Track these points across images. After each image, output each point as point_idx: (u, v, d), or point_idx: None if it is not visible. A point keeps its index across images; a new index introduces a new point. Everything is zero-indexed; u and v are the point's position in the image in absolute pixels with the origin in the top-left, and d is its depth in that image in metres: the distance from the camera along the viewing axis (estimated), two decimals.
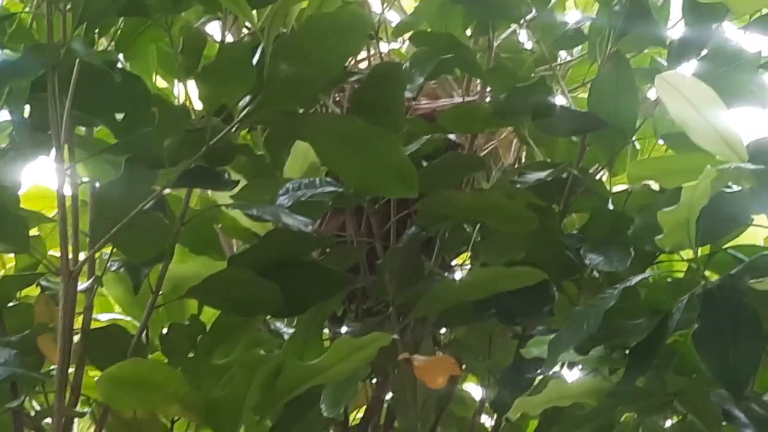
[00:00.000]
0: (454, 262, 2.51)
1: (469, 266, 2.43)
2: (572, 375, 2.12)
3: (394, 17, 2.67)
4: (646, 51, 2.42)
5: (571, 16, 2.55)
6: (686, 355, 1.85)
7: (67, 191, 2.03)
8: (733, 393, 1.68)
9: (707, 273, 1.92)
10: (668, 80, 1.83)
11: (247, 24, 2.25)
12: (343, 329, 2.40)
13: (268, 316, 2.27)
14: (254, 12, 2.01)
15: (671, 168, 2.04)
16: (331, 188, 2.02)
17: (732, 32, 2.28)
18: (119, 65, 2.26)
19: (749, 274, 1.76)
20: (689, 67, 2.19)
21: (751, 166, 1.75)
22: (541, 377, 2.05)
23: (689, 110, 1.80)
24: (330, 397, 2.04)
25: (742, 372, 1.65)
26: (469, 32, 2.52)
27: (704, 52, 2.21)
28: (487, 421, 2.46)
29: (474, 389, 2.57)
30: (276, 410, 1.94)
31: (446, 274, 2.35)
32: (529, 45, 2.55)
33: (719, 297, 1.69)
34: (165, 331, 2.21)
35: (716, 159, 1.81)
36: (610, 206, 2.16)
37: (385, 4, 2.50)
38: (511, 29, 2.53)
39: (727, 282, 1.74)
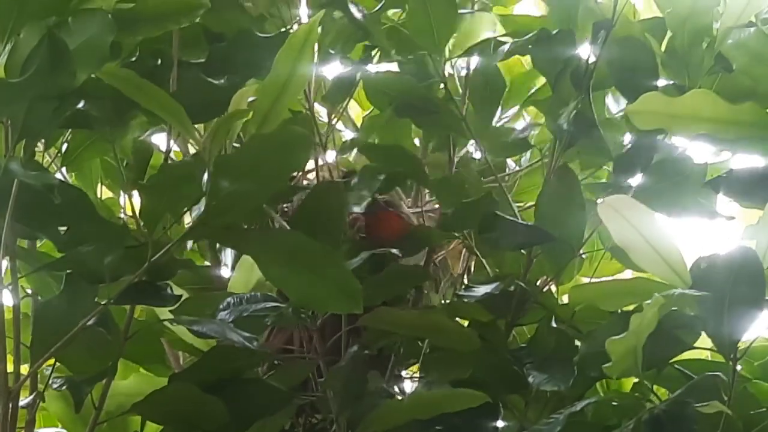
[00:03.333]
0: (404, 373, 2.48)
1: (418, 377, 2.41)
2: None
3: (341, 126, 2.68)
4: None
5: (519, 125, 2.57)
6: None
7: (10, 302, 2.00)
8: None
9: (655, 387, 1.92)
10: (610, 204, 1.83)
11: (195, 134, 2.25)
12: None
13: None
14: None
15: (612, 291, 2.03)
16: (273, 304, 2.00)
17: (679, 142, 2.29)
18: (62, 177, 2.26)
19: (694, 396, 1.74)
20: (636, 179, 2.20)
21: (695, 293, 1.74)
22: None
23: (631, 233, 1.80)
24: None
25: None
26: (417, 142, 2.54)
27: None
28: None
29: None
30: None
31: (395, 386, 2.33)
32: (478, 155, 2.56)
33: (668, 427, 1.67)
34: None
35: (657, 282, 1.81)
36: (554, 324, 2.14)
37: (333, 116, 2.50)
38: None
39: (675, 409, 1.72)
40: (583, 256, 2.38)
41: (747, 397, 2.03)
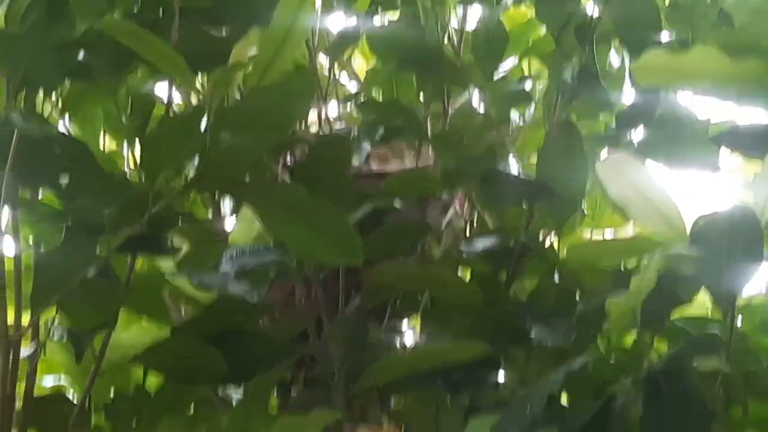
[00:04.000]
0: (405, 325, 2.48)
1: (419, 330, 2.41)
2: None
3: (345, 78, 2.67)
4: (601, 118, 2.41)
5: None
6: None
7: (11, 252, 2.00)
8: None
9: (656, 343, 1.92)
10: (610, 163, 1.82)
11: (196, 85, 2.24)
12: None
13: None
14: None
15: (610, 250, 2.03)
16: (276, 257, 1.99)
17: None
18: (64, 128, 2.25)
19: (692, 353, 1.74)
20: (638, 132, 2.19)
21: (692, 252, 1.73)
22: None
23: (630, 190, 1.79)
24: None
25: None
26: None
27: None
28: None
29: None
30: None
31: (395, 338, 2.33)
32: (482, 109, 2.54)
33: (664, 385, 1.66)
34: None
35: (653, 240, 1.80)
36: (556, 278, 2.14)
37: (337, 67, 2.48)
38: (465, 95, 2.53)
39: (672, 367, 1.71)
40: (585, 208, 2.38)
41: (747, 353, 2.03)
